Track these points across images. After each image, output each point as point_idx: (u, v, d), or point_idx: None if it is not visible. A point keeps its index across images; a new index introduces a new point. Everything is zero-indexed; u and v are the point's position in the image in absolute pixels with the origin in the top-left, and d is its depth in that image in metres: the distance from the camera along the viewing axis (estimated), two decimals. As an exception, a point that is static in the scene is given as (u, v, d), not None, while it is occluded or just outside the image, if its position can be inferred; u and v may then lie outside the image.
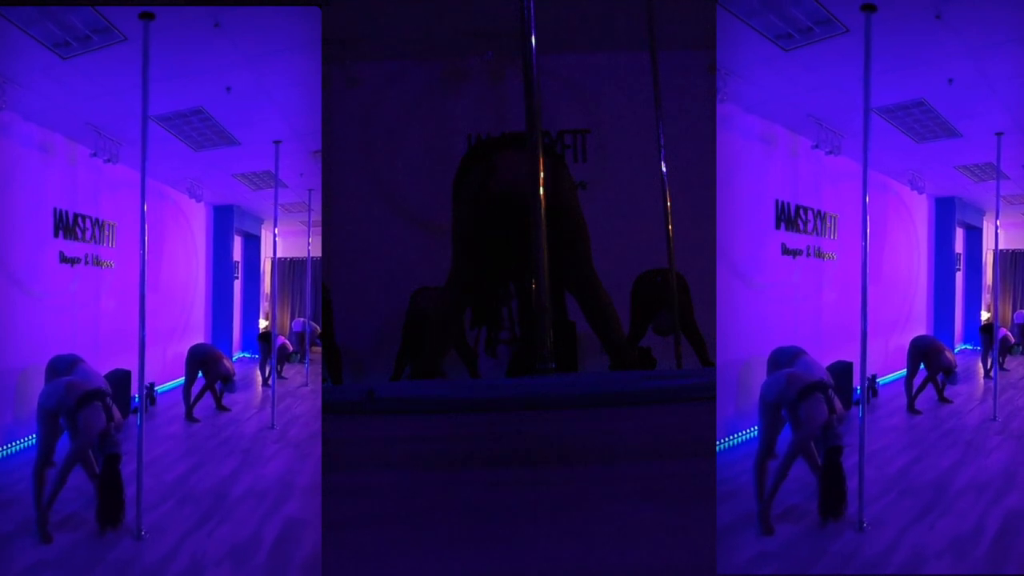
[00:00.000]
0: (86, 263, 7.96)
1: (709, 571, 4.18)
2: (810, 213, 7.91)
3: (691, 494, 4.93)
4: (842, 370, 7.32)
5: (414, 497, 5.18)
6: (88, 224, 8.00)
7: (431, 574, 4.20)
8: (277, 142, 8.06)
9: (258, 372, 10.08)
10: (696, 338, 9.06)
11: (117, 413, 5.07)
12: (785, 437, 5.07)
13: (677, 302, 8.75)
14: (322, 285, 9.78)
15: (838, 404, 5.04)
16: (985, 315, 10.41)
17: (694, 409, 6.58)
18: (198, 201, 10.21)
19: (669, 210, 8.77)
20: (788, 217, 7.69)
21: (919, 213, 10.41)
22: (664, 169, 8.82)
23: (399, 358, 9.40)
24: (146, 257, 5.19)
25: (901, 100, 7.96)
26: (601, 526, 4.62)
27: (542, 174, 7.68)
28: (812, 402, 4.96)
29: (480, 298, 8.86)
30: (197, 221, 10.42)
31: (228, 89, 7.33)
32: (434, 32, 9.64)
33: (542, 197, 7.68)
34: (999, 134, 8.35)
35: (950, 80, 7.54)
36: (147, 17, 5.17)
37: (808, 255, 7.93)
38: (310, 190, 9.53)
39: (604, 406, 6.88)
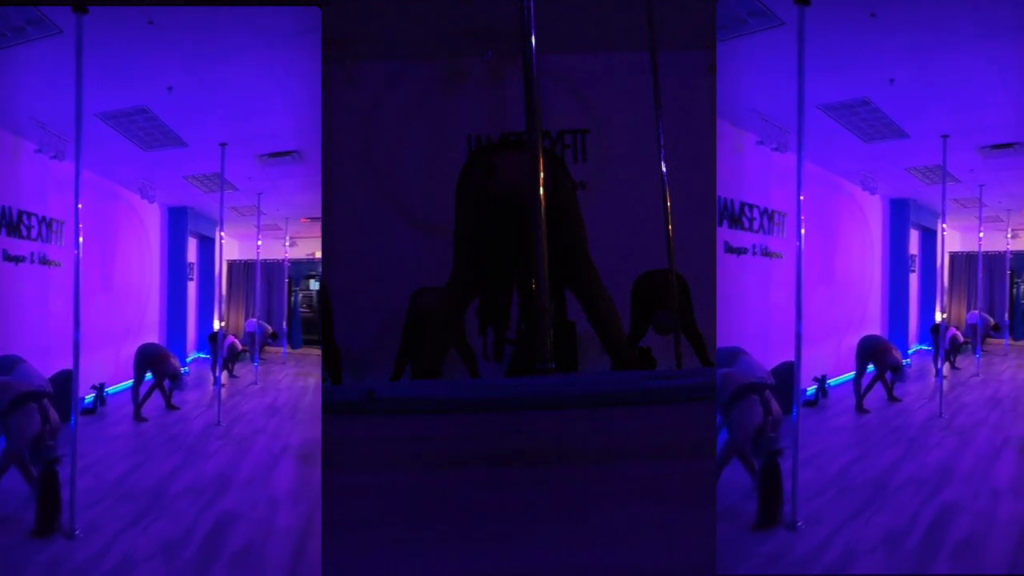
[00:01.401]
0: (32, 262, 7.90)
1: (709, 571, 4.18)
2: (756, 211, 7.89)
3: (691, 494, 4.93)
4: (787, 371, 7.34)
5: (414, 497, 5.18)
6: (34, 222, 7.91)
7: (431, 574, 4.20)
8: (223, 144, 8.07)
9: (211, 372, 10.11)
10: (696, 338, 9.06)
11: (55, 416, 5.02)
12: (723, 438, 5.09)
13: (677, 302, 8.75)
14: (321, 285, 9.79)
15: (775, 406, 5.00)
16: (940, 316, 10.45)
17: (694, 409, 6.58)
18: (151, 202, 10.18)
19: (669, 210, 8.77)
20: (732, 215, 7.68)
21: (873, 214, 10.40)
22: (664, 169, 8.83)
23: (399, 358, 9.40)
24: (81, 256, 5.16)
25: (845, 98, 7.96)
26: (601, 526, 4.63)
27: (542, 174, 7.68)
28: (746, 404, 4.94)
29: (486, 300, 8.86)
30: (151, 222, 10.39)
31: (169, 89, 7.31)
32: (434, 32, 9.63)
33: (542, 197, 7.68)
34: (944, 136, 8.40)
35: (891, 80, 7.55)
36: (80, 11, 5.15)
37: (754, 254, 7.91)
38: (259, 194, 9.57)
39: (604, 406, 6.88)
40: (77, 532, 4.85)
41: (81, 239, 5.11)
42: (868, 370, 8.42)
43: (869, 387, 8.34)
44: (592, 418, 6.72)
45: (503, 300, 8.88)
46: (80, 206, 5.11)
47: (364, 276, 9.90)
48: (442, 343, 8.76)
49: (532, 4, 7.75)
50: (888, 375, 8.39)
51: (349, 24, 9.17)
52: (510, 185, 8.29)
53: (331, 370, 9.47)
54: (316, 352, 10.45)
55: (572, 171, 9.04)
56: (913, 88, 7.66)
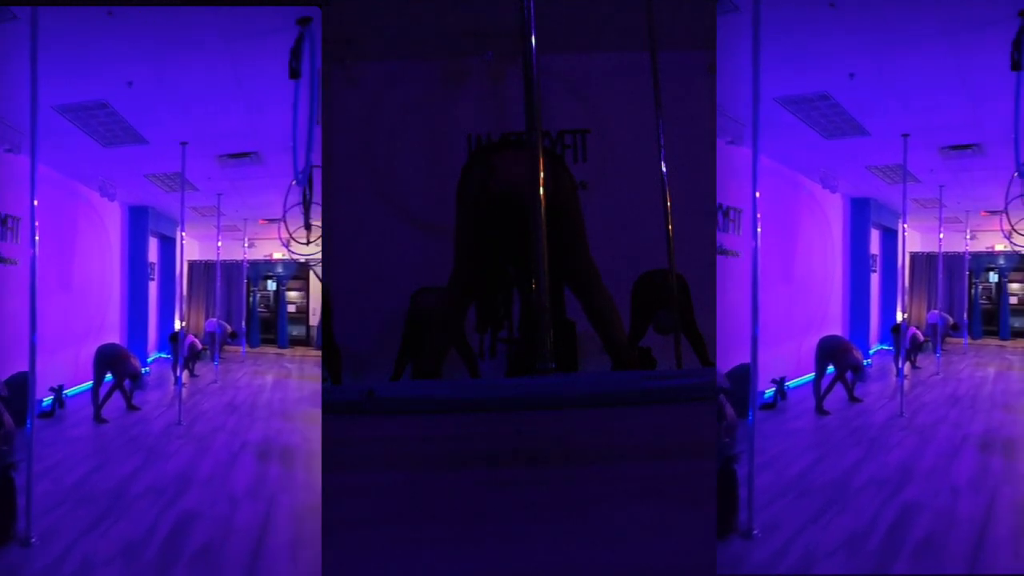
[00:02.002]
0: (-14, 259, 7.83)
1: (709, 571, 4.18)
2: (710, 207, 7.87)
3: (691, 494, 4.93)
4: (742, 374, 7.34)
5: (414, 497, 5.18)
6: (-12, 218, 7.85)
7: (431, 574, 4.20)
8: (184, 144, 8.05)
9: (172, 372, 10.14)
10: (696, 338, 9.06)
11: (8, 420, 4.98)
12: None
13: (677, 302, 8.75)
14: (322, 284, 9.80)
15: (729, 411, 4.99)
16: (901, 316, 10.47)
17: (694, 409, 6.58)
18: (111, 200, 10.15)
19: (669, 210, 8.78)
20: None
21: (834, 213, 10.37)
22: (664, 169, 8.83)
23: (399, 358, 9.40)
24: (38, 254, 5.09)
25: (804, 92, 7.93)
26: (601, 526, 4.62)
27: (542, 174, 7.68)
28: None
29: (484, 300, 8.86)
30: (111, 221, 10.35)
31: (129, 84, 7.24)
32: (434, 32, 9.63)
33: (542, 197, 7.68)
34: (905, 135, 8.39)
35: (851, 75, 7.51)
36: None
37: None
38: (219, 194, 9.59)
39: (604, 406, 6.88)
40: (33, 539, 4.80)
41: (38, 237, 5.04)
42: (828, 371, 8.41)
43: (829, 388, 8.30)
44: (592, 418, 6.72)
45: (503, 300, 8.88)
46: (36, 202, 5.03)
47: (364, 276, 9.90)
48: (442, 343, 8.76)
49: (532, 4, 7.75)
50: (849, 375, 8.36)
51: (349, 24, 9.18)
52: (510, 185, 8.29)
53: (331, 370, 9.47)
54: (273, 351, 10.60)
55: (572, 171, 9.04)
56: (873, 84, 7.62)
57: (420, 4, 9.31)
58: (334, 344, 9.55)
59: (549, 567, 4.22)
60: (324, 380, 9.40)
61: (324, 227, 9.90)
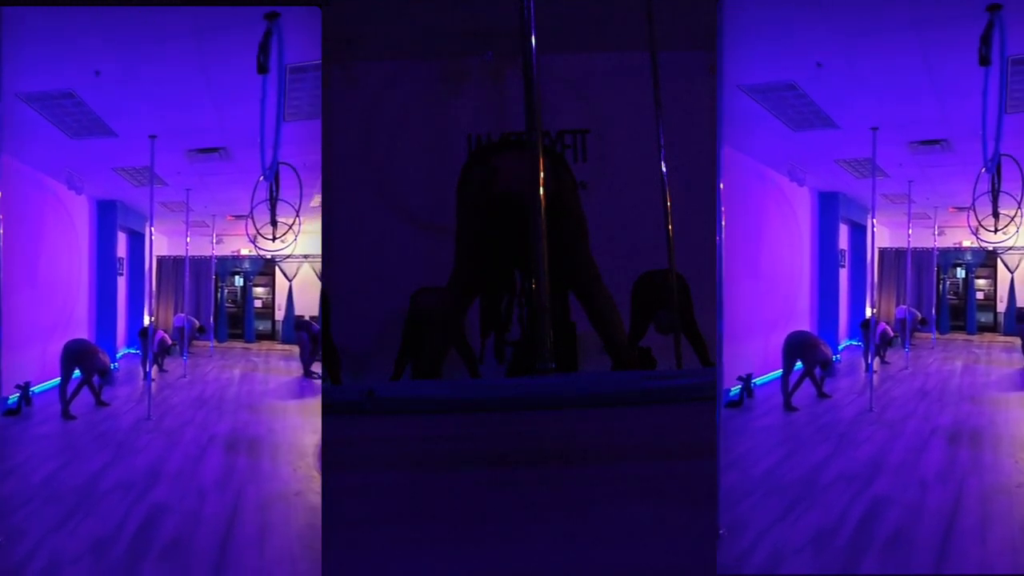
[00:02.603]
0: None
1: (709, 571, 4.18)
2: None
3: (691, 494, 4.93)
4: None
5: (414, 497, 5.18)
6: (-54, 211, 7.77)
7: (431, 574, 4.20)
8: (152, 137, 8.02)
9: (141, 367, 10.15)
10: (696, 338, 9.06)
11: None
12: None
13: (677, 302, 8.75)
14: (321, 285, 9.79)
15: None
16: (871, 312, 10.44)
17: (694, 409, 6.58)
18: (79, 193, 10.05)
19: (669, 210, 8.78)
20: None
21: (801, 207, 10.26)
22: (664, 169, 8.83)
23: (399, 358, 9.39)
24: (2, 247, 5.05)
25: (770, 80, 7.87)
26: (601, 526, 4.62)
27: (542, 174, 7.68)
28: None
29: (487, 301, 8.85)
30: (79, 215, 10.22)
31: (97, 73, 7.16)
32: (434, 32, 9.64)
33: (542, 197, 7.68)
34: (874, 129, 8.33)
35: (819, 64, 7.45)
36: None
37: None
38: (188, 190, 9.58)
39: (604, 406, 6.89)
40: (0, 539, 4.81)
41: (2, 230, 5.00)
42: (796, 367, 8.36)
43: (797, 384, 8.22)
44: (592, 418, 6.72)
45: (506, 301, 8.88)
46: (0, 194, 4.99)
47: (364, 276, 9.90)
48: (442, 343, 8.76)
49: (532, 4, 7.76)
50: (818, 371, 8.30)
51: (349, 24, 9.18)
52: (512, 187, 8.29)
53: (331, 370, 9.46)
54: (240, 345, 10.69)
55: (572, 171, 9.05)
56: (842, 75, 7.54)
57: (420, 4, 9.31)
58: (334, 344, 9.55)
59: (549, 567, 4.22)
60: (324, 380, 9.39)
61: (324, 227, 9.90)
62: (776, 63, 7.30)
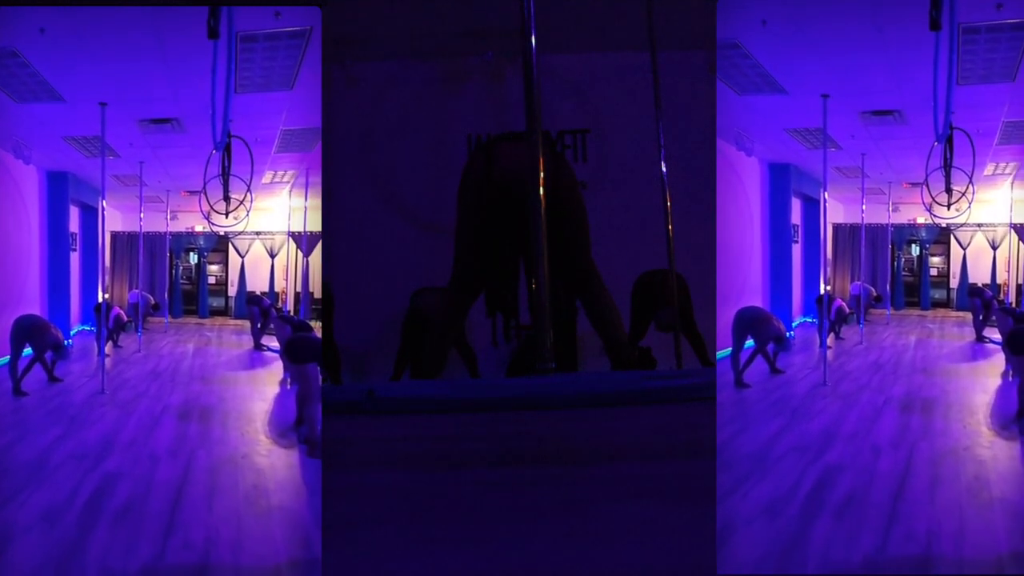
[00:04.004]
0: None
1: (709, 571, 4.18)
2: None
3: (691, 494, 4.93)
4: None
5: (414, 497, 5.18)
6: None
7: (431, 574, 4.20)
8: (103, 104, 7.86)
9: (95, 343, 10.14)
10: (696, 338, 9.06)
11: None
12: None
13: (677, 302, 8.75)
14: (322, 284, 9.81)
15: None
16: (825, 288, 10.38)
17: (694, 409, 6.59)
18: (27, 163, 9.87)
19: (669, 210, 8.78)
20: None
21: (750, 178, 10.08)
22: (664, 169, 8.83)
23: (399, 358, 9.39)
24: None
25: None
26: (601, 526, 4.63)
27: (542, 174, 7.68)
28: None
29: (493, 289, 8.85)
30: (28, 186, 9.92)
31: (42, 31, 6.94)
32: (434, 32, 9.64)
33: (542, 197, 7.68)
34: (824, 96, 8.19)
35: (764, 21, 7.31)
36: None
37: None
38: (141, 163, 9.49)
39: (604, 406, 6.89)
40: None
41: None
42: (748, 344, 8.30)
43: (749, 360, 8.16)
44: (592, 418, 6.73)
45: (510, 293, 8.88)
46: None
47: (364, 276, 9.90)
48: (442, 344, 8.76)
49: (532, 4, 7.76)
50: (771, 347, 8.23)
51: (349, 24, 9.18)
52: (511, 173, 8.30)
53: (331, 370, 9.47)
54: (195, 321, 10.86)
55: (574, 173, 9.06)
56: (788, 36, 7.37)
57: (420, 4, 9.31)
58: (334, 344, 9.55)
59: (549, 567, 4.22)
60: (324, 380, 9.40)
61: (324, 227, 9.93)
62: (719, 19, 7.13)
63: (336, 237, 9.90)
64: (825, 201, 9.07)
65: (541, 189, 7.68)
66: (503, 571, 4.20)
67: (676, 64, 9.28)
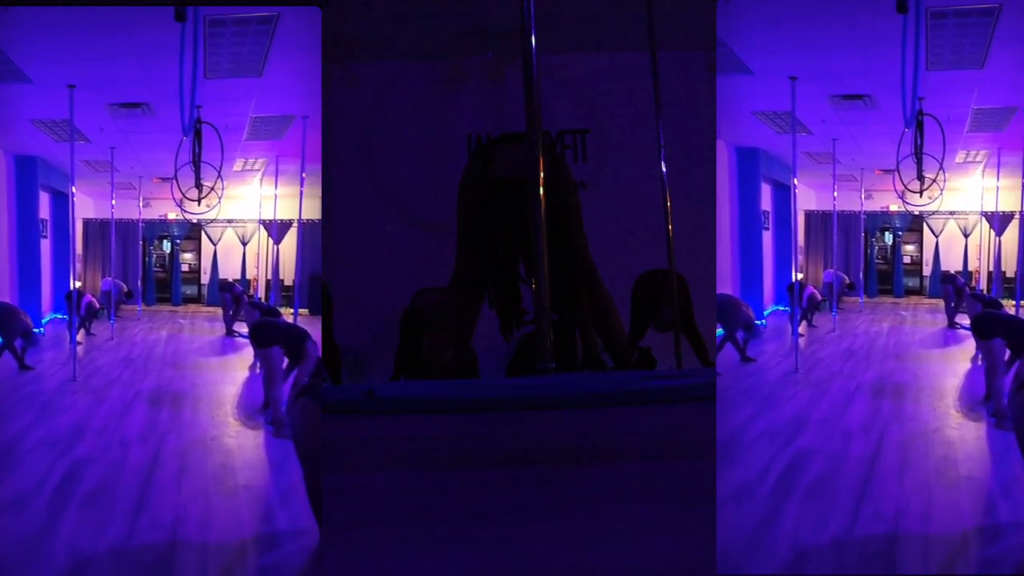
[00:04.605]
0: None
1: (709, 571, 4.18)
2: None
3: (691, 494, 4.93)
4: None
5: (414, 497, 5.18)
6: None
7: (431, 574, 4.20)
8: (71, 86, 7.79)
9: (67, 331, 10.13)
10: (696, 338, 9.06)
11: None
12: None
13: (677, 302, 8.75)
14: (322, 284, 9.81)
15: None
16: (797, 276, 10.32)
17: (694, 409, 6.58)
18: None
19: (669, 210, 8.77)
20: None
21: (718, 163, 9.92)
22: (664, 169, 8.83)
23: (399, 358, 9.39)
24: None
25: None
26: (601, 526, 4.63)
27: (542, 174, 7.68)
28: None
29: (495, 283, 8.84)
30: None
31: (5, 6, 6.85)
32: (434, 32, 9.63)
33: (542, 197, 7.68)
34: (793, 78, 8.11)
35: None
36: None
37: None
38: (112, 148, 9.44)
39: (604, 406, 6.88)
40: None
41: None
42: (717, 333, 8.28)
43: (719, 347, 8.16)
44: (592, 418, 6.72)
45: (511, 292, 8.87)
46: None
47: (364, 276, 9.90)
48: (443, 344, 8.76)
49: (532, 4, 7.75)
50: (740, 334, 8.21)
51: (349, 24, 9.17)
52: (509, 172, 8.30)
53: (331, 370, 9.46)
54: (168, 309, 10.94)
55: (572, 171, 9.05)
56: (753, 14, 7.31)
57: (420, 4, 9.30)
58: (334, 344, 9.55)
59: (549, 567, 4.22)
60: (324, 380, 9.40)
61: (324, 227, 9.94)
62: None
63: (336, 237, 9.91)
64: (795, 187, 9.00)
65: (541, 189, 7.68)
66: (503, 571, 4.21)
67: (676, 64, 9.28)
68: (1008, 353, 7.04)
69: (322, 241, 9.74)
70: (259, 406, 6.69)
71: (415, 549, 4.43)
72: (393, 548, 4.44)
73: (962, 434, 6.15)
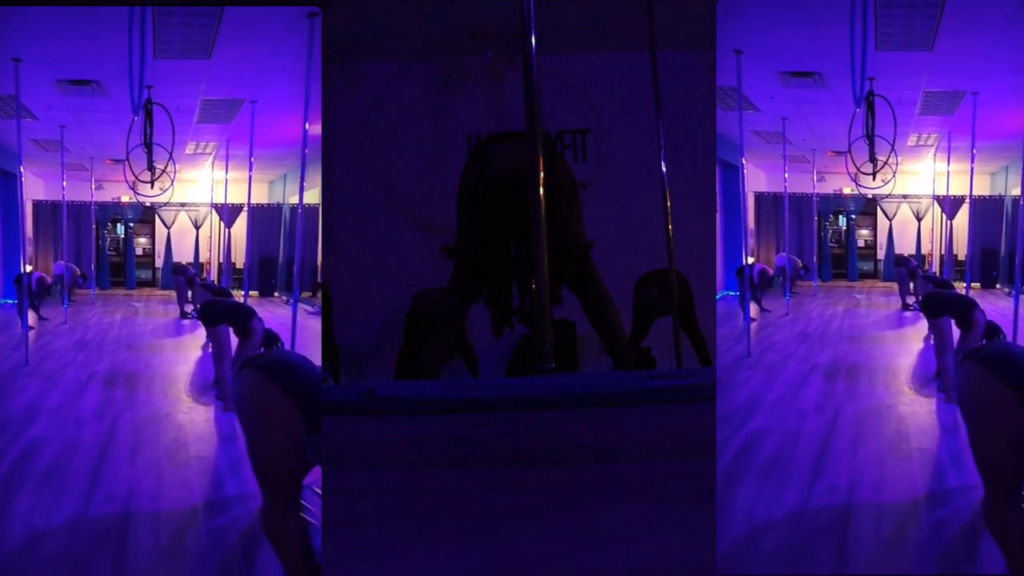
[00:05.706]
0: None
1: (709, 571, 4.18)
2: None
3: (691, 494, 4.93)
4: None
5: (414, 497, 5.19)
6: None
7: (431, 574, 4.20)
8: (17, 60, 7.67)
9: (18, 315, 10.07)
10: (696, 337, 9.06)
11: None
12: None
13: (677, 302, 8.75)
14: (322, 284, 9.81)
15: None
16: (747, 260, 10.22)
17: (694, 409, 6.58)
18: None
19: (669, 210, 8.78)
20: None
21: None
22: (664, 169, 8.83)
23: (399, 358, 9.39)
24: None
25: None
26: (601, 526, 4.63)
27: (542, 174, 7.68)
28: None
29: (493, 287, 8.84)
30: None
31: None
32: (434, 32, 9.64)
33: (542, 197, 7.68)
34: (738, 52, 8.01)
35: None
36: None
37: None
38: (62, 127, 9.36)
39: (604, 406, 6.88)
40: None
41: None
42: None
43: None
44: (592, 418, 6.72)
45: (505, 288, 8.87)
46: None
47: (364, 276, 9.91)
48: (443, 344, 8.76)
49: (532, 4, 7.76)
50: None
51: (349, 24, 9.18)
52: (507, 170, 8.31)
53: (331, 370, 9.46)
54: (122, 292, 10.99)
55: (572, 171, 9.05)
56: None
57: (420, 4, 9.31)
58: (334, 344, 9.55)
59: (549, 567, 4.22)
60: (324, 380, 9.40)
61: (324, 227, 9.94)
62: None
63: (336, 237, 9.91)
64: (744, 167, 8.89)
65: (541, 189, 7.68)
66: (503, 571, 4.21)
67: (676, 64, 9.28)
68: (958, 332, 7.16)
69: (322, 241, 9.74)
70: (210, 383, 6.79)
71: (415, 549, 4.43)
72: (393, 548, 4.44)
73: (914, 409, 6.31)
